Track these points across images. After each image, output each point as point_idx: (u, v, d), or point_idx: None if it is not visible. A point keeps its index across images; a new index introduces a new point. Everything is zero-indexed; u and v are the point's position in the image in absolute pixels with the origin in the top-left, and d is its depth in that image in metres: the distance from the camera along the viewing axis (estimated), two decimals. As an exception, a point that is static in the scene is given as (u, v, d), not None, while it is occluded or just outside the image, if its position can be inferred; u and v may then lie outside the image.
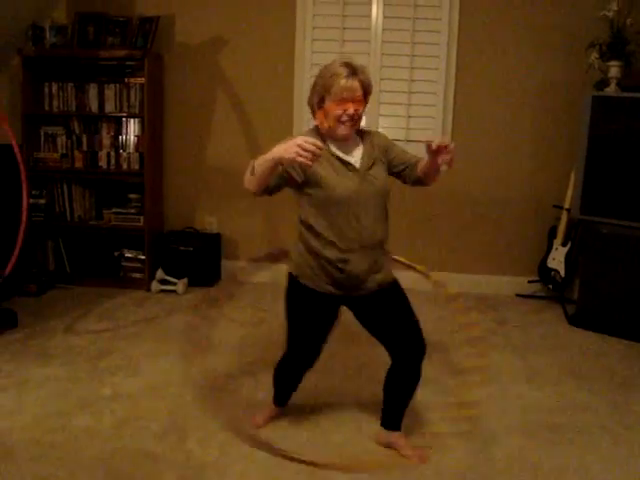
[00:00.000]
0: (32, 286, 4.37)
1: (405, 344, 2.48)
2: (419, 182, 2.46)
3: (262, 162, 2.15)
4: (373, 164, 2.39)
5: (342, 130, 2.32)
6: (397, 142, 2.59)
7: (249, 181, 2.22)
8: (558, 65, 4.45)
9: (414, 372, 2.51)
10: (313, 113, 2.41)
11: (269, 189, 2.27)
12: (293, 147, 2.02)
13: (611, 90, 3.99)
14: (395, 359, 2.52)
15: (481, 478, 2.46)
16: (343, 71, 2.26)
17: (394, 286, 2.50)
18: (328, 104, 2.30)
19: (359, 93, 2.29)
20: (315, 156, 2.04)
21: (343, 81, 2.25)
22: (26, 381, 3.09)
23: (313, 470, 2.44)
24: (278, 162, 2.12)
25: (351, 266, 2.35)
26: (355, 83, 2.27)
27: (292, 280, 2.47)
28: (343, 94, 2.25)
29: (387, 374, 2.57)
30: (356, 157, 2.39)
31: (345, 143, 2.39)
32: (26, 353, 3.42)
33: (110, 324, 3.89)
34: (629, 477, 2.51)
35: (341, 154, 2.37)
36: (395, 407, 2.62)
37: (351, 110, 2.28)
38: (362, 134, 2.47)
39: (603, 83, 4.04)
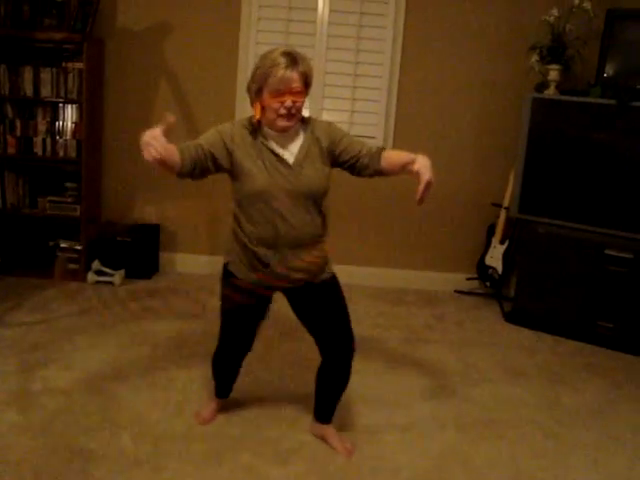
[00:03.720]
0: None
1: (334, 343, 2.47)
2: (378, 174, 2.38)
3: None
4: (310, 159, 2.29)
5: (281, 122, 2.20)
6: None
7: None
8: (500, 66, 4.52)
9: (343, 370, 2.52)
10: (251, 101, 2.28)
11: (190, 174, 2.18)
12: (144, 148, 1.88)
13: (550, 92, 4.07)
14: (324, 356, 2.51)
15: (415, 473, 2.49)
16: (283, 61, 2.13)
17: (330, 282, 2.47)
18: (265, 95, 2.18)
19: (297, 84, 2.16)
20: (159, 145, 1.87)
21: (281, 72, 2.12)
22: (-50, 375, 2.97)
23: (250, 467, 2.43)
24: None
25: (274, 263, 2.31)
26: (294, 74, 2.14)
27: (224, 267, 2.45)
28: (280, 86, 2.13)
29: (318, 371, 2.57)
30: (292, 151, 2.29)
31: (283, 135, 2.27)
32: (-49, 346, 3.28)
33: (43, 316, 3.76)
34: (557, 469, 2.59)
35: (275, 147, 2.27)
36: (326, 402, 2.63)
37: (289, 102, 2.15)
38: (305, 124, 2.35)
39: (543, 85, 4.13)
